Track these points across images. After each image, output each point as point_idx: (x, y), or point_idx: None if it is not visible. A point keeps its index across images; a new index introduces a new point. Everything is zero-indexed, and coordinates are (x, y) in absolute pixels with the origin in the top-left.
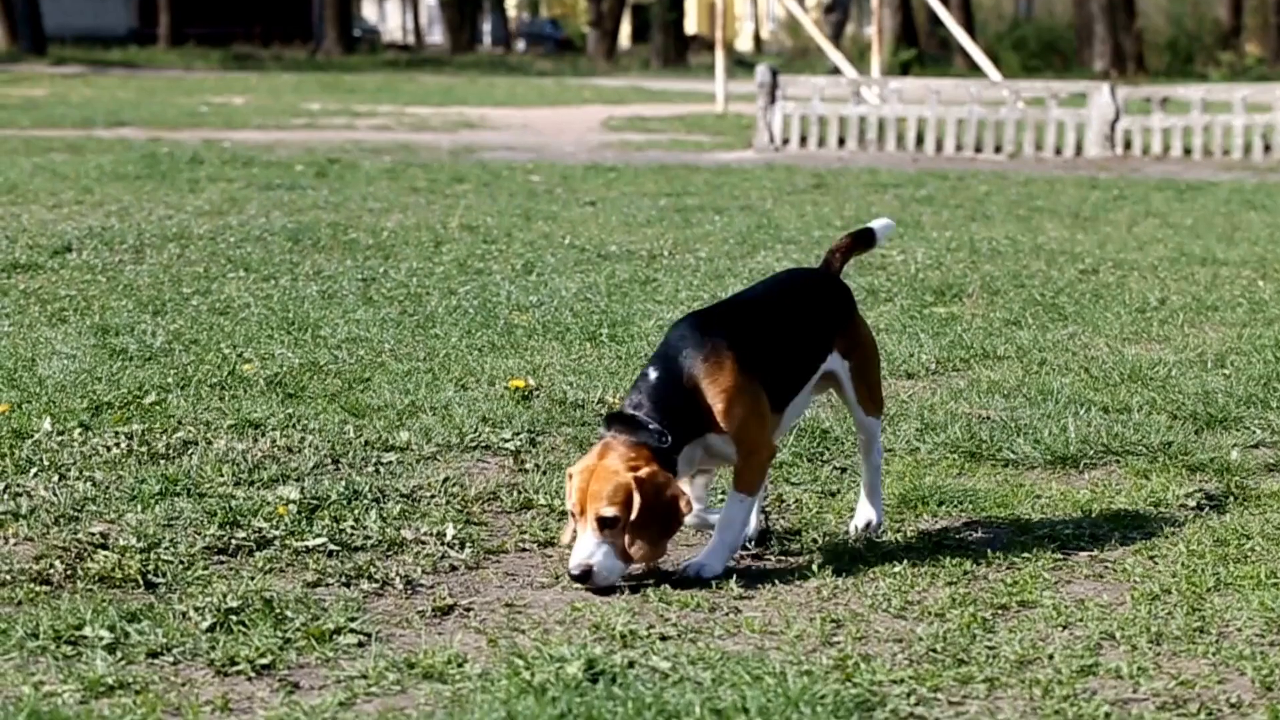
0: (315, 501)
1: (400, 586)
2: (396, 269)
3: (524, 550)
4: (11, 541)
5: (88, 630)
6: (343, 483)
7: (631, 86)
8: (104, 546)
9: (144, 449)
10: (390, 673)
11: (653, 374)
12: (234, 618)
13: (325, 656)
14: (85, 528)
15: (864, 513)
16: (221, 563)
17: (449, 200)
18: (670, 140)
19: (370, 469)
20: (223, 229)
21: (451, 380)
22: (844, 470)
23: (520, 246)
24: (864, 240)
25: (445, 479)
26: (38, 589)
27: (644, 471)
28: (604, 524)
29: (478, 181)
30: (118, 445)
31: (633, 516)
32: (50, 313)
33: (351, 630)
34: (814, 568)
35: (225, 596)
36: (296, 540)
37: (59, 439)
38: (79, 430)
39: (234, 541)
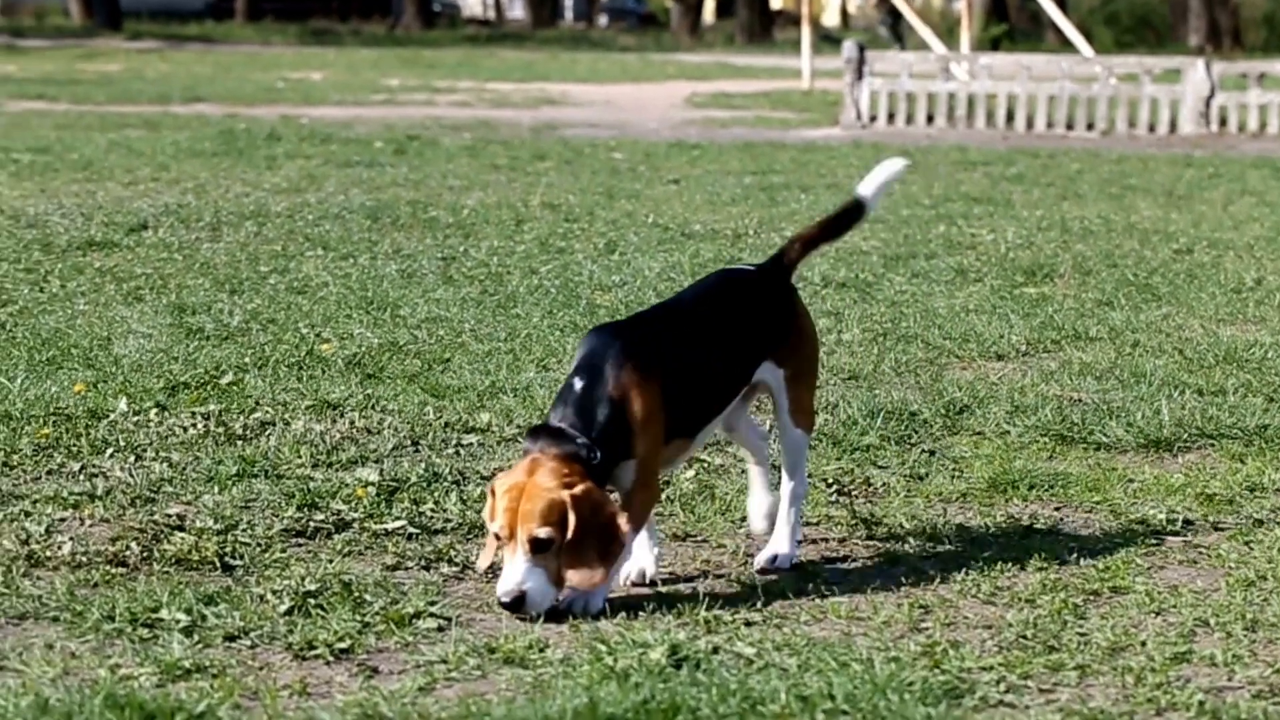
0: (395, 484)
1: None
2: (477, 248)
3: None
4: (88, 523)
5: (164, 613)
6: (423, 465)
7: (716, 62)
8: (181, 528)
9: (221, 430)
10: (471, 658)
11: (578, 385)
12: (312, 601)
13: (405, 641)
14: (162, 509)
15: (774, 544)
16: (300, 545)
17: (530, 178)
18: (755, 117)
19: (450, 451)
20: (300, 206)
21: (533, 361)
22: (932, 454)
23: (603, 225)
24: (841, 226)
25: None
26: (114, 571)
27: (579, 489)
28: (537, 546)
29: (559, 159)
30: (194, 426)
31: (568, 537)
32: (126, 291)
33: (431, 614)
34: (901, 552)
35: (303, 579)
36: (375, 523)
37: (135, 419)
38: (155, 410)
39: (312, 524)
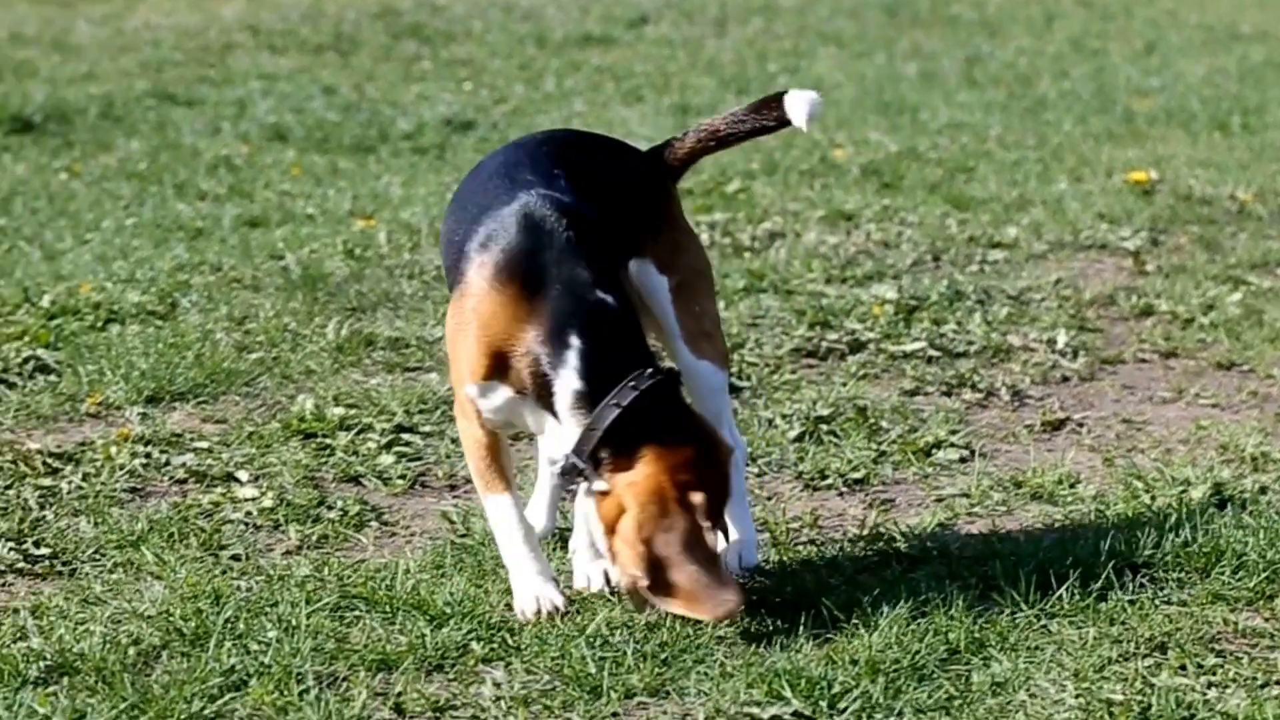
0: (914, 302)
1: (1006, 397)
2: (1003, 48)
3: (1143, 361)
4: None
5: None
6: (944, 282)
7: None
8: None
9: (727, 241)
10: (995, 492)
11: (612, 302)
12: (824, 427)
13: (923, 472)
14: None
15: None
16: (811, 366)
17: None
18: None
19: (974, 267)
20: (813, 1)
21: (1064, 171)
22: None
23: (1141, 24)
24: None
25: (1057, 280)
26: None
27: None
28: None
29: None
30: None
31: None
32: (625, 90)
33: (952, 444)
34: None
35: (815, 403)
36: (893, 344)
37: None
38: None
39: (824, 344)
